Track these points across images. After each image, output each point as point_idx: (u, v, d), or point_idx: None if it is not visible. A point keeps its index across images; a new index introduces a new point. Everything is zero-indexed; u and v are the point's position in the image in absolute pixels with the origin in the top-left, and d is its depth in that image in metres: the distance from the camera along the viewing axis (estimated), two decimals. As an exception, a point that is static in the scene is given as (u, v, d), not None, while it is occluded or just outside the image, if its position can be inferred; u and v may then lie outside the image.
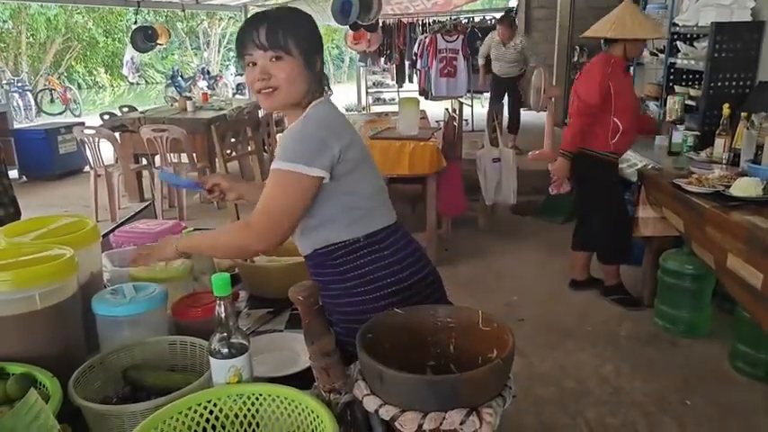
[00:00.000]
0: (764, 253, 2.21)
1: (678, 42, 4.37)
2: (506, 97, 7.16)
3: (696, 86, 4.29)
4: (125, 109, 6.76)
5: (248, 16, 1.44)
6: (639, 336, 3.22)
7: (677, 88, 4.38)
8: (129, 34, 9.07)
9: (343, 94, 12.92)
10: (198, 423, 1.05)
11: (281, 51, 1.34)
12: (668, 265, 3.17)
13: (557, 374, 2.86)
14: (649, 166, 3.48)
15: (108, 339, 1.35)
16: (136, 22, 9.18)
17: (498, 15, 10.24)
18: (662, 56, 4.62)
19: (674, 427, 2.47)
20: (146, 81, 20.86)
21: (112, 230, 1.94)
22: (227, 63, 19.56)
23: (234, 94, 14.43)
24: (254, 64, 1.35)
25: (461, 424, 0.99)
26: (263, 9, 1.43)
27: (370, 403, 1.04)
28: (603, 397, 2.69)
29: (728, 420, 2.51)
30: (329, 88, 1.48)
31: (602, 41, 3.33)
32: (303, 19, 1.41)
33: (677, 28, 4.30)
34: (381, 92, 11.24)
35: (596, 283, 3.70)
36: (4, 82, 12.87)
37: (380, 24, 9.60)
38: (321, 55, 1.43)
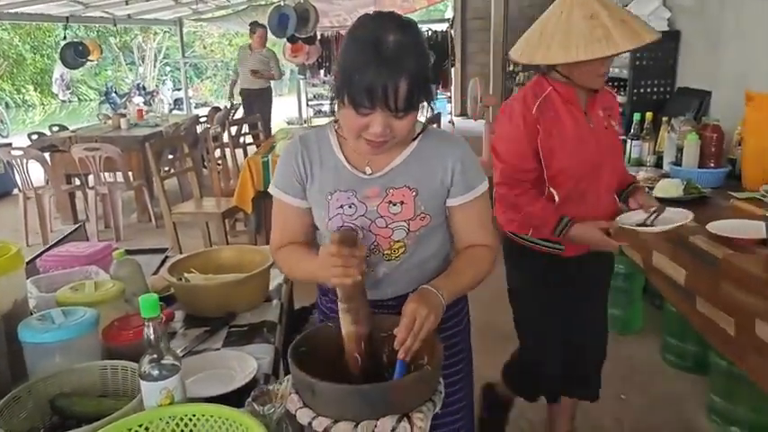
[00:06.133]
0: (685, 250, 2.33)
1: (603, 51, 4.56)
2: None
3: (621, 93, 4.48)
4: (55, 128, 6.55)
5: (373, 53, 1.14)
6: (577, 335, 3.32)
7: (604, 95, 4.57)
8: (59, 50, 8.81)
9: (284, 107, 12.85)
10: (129, 448, 1.04)
11: (412, 110, 1.21)
12: (601, 265, 3.30)
13: (499, 378, 2.91)
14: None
15: (37, 367, 1.31)
16: (65, 38, 8.92)
17: (437, 27, 10.48)
18: (589, 64, 4.81)
19: (611, 422, 2.57)
20: (78, 98, 20.18)
21: (39, 255, 1.87)
22: (164, 78, 19.16)
23: (171, 110, 14.16)
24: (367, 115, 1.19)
25: (393, 430, 1.01)
26: (391, 52, 1.14)
27: (303, 416, 1.05)
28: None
29: (660, 410, 2.63)
30: None
31: None
32: (428, 57, 1.23)
33: (602, 37, 4.49)
34: (322, 104, 11.27)
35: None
36: (-76, 103, 12.24)
37: (319, 37, 9.64)
38: None
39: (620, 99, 4.34)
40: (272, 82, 7.97)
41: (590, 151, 1.91)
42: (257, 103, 7.56)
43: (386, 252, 1.37)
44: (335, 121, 1.35)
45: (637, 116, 3.53)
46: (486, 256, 1.40)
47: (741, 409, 2.36)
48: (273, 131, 6.50)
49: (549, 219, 1.90)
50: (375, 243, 1.36)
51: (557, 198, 1.93)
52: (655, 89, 4.00)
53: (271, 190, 1.43)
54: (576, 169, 1.91)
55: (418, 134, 1.35)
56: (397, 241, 1.36)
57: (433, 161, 1.35)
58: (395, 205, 1.33)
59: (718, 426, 2.43)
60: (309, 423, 1.04)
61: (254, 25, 7.67)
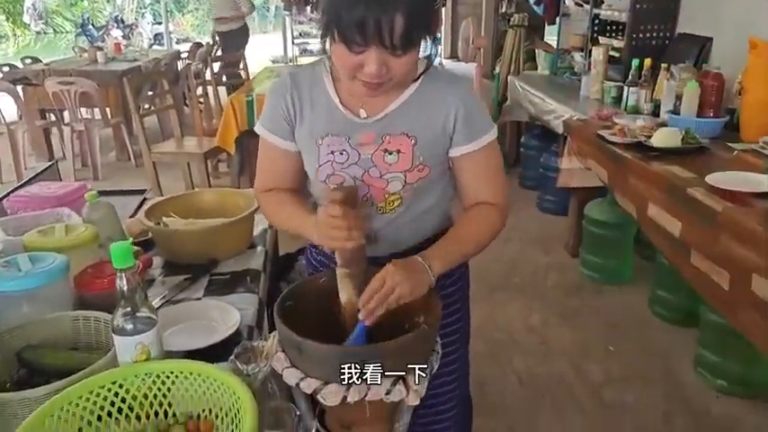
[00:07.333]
0: (682, 202, 2.26)
1: (602, -7, 4.38)
2: None
3: (619, 38, 4.32)
4: (28, 60, 6.26)
5: None
6: (566, 285, 3.30)
7: (601, 39, 4.40)
8: (30, -23, 8.38)
9: (269, 45, 12.45)
10: (102, 407, 0.96)
11: (412, 49, 1.07)
12: (592, 214, 3.24)
13: (487, 327, 2.89)
14: (575, 117, 3.50)
15: (2, 318, 1.22)
16: (36, -36, 8.46)
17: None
18: (587, 6, 4.62)
19: (598, 373, 2.56)
20: (54, 30, 19.36)
21: (6, 195, 1.75)
22: (143, 11, 18.41)
23: (151, 45, 13.66)
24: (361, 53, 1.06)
25: (387, 394, 0.94)
26: None
27: (291, 377, 0.98)
28: (532, 347, 2.75)
29: (647, 362, 2.63)
30: None
31: None
32: None
33: (601, -22, 4.30)
34: (308, 42, 10.87)
35: None
36: None
37: (305, -29, 9.24)
38: None
39: (617, 44, 4.20)
40: (252, 18, 7.82)
41: None
42: (232, 43, 7.43)
43: (380, 205, 1.26)
44: (329, 58, 1.21)
45: (635, 62, 3.41)
46: (494, 218, 1.27)
47: (730, 363, 2.35)
48: (256, 71, 6.28)
49: None
50: (368, 195, 1.25)
51: None
52: (654, 34, 3.85)
53: (257, 129, 1.32)
54: None
55: (420, 74, 1.21)
56: (393, 194, 1.24)
57: (435, 106, 1.22)
58: (391, 154, 1.21)
59: (705, 379, 2.43)
60: (297, 384, 0.97)
61: None
